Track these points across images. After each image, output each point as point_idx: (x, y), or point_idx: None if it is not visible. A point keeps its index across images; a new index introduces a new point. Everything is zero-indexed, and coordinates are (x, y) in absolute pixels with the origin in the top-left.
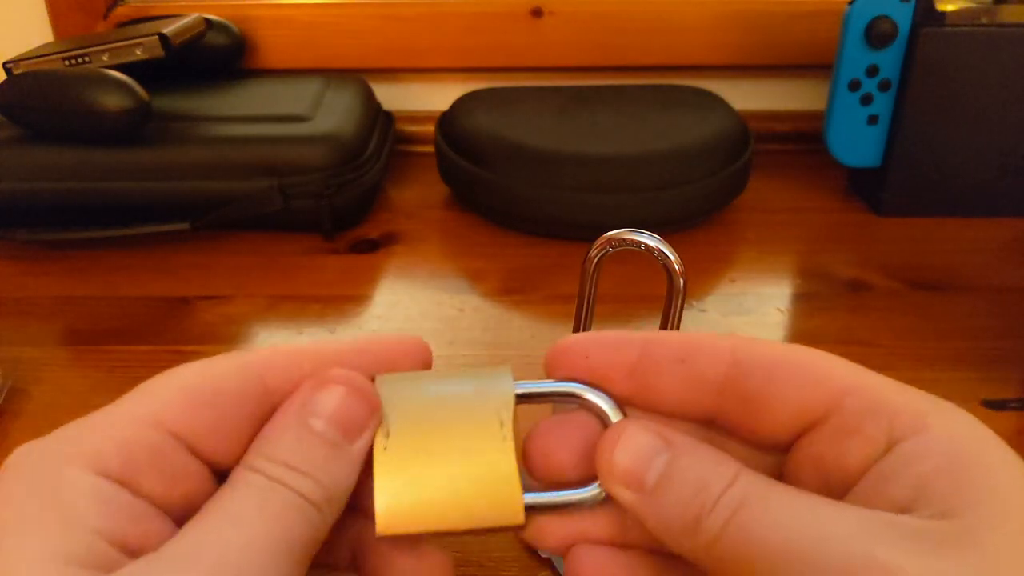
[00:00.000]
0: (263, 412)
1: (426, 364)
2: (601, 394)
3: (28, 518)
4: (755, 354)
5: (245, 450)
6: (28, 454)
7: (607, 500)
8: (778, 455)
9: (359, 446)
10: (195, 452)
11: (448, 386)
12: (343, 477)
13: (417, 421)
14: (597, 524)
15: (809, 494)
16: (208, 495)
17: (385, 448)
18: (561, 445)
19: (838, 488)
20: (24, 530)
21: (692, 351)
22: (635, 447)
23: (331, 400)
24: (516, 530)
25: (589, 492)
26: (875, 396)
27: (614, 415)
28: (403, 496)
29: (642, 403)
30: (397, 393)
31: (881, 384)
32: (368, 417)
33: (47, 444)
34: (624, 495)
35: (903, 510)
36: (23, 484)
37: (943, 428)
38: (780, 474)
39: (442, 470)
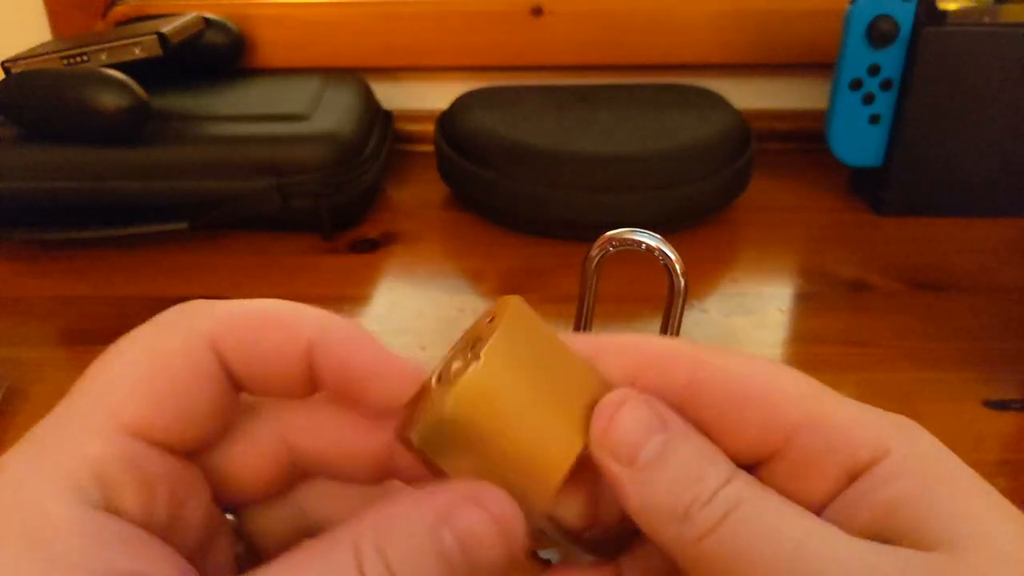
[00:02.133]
0: (221, 390)
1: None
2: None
3: (17, 567)
4: (711, 380)
5: (212, 431)
6: (3, 480)
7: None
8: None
9: None
10: (163, 446)
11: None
12: None
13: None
14: None
15: (800, 509)
16: (188, 482)
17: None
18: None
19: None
20: None
21: (644, 370)
22: (633, 419)
23: (473, 523)
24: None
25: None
26: (831, 431)
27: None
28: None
29: None
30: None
31: (838, 414)
32: (497, 563)
33: (15, 470)
34: (612, 467)
35: (873, 537)
36: (8, 516)
37: (906, 451)
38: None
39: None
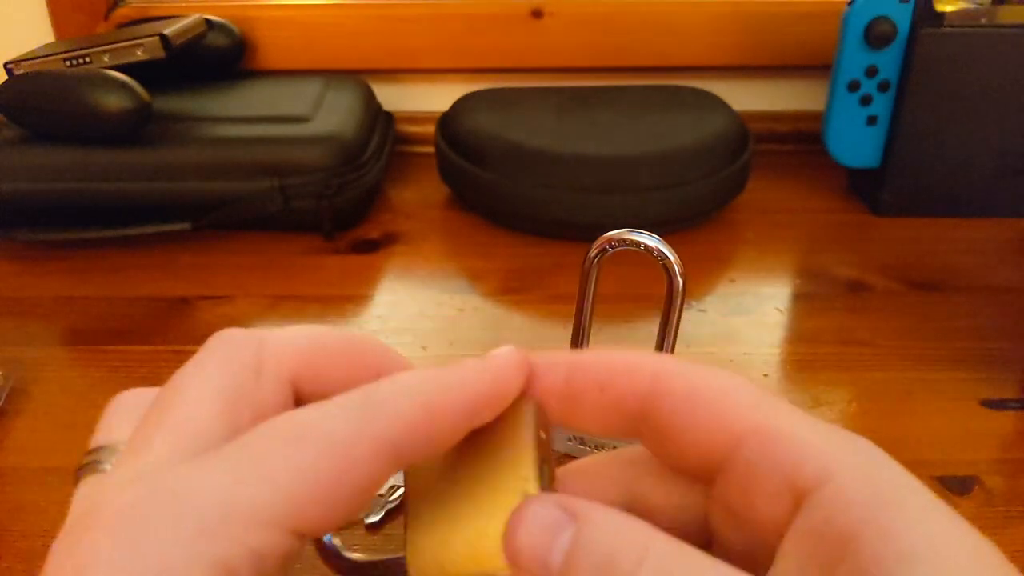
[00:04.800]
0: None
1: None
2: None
3: None
4: (670, 385)
5: None
6: (153, 542)
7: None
8: (702, 492)
9: None
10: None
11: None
12: None
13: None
14: None
15: (726, 568)
16: None
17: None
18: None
19: (760, 545)
20: None
21: (611, 378)
22: (537, 524)
23: None
24: None
25: None
26: (770, 444)
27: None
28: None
29: (571, 425)
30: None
31: (785, 426)
32: None
33: (173, 534)
34: None
35: (825, 571)
36: None
37: (852, 474)
38: (705, 516)
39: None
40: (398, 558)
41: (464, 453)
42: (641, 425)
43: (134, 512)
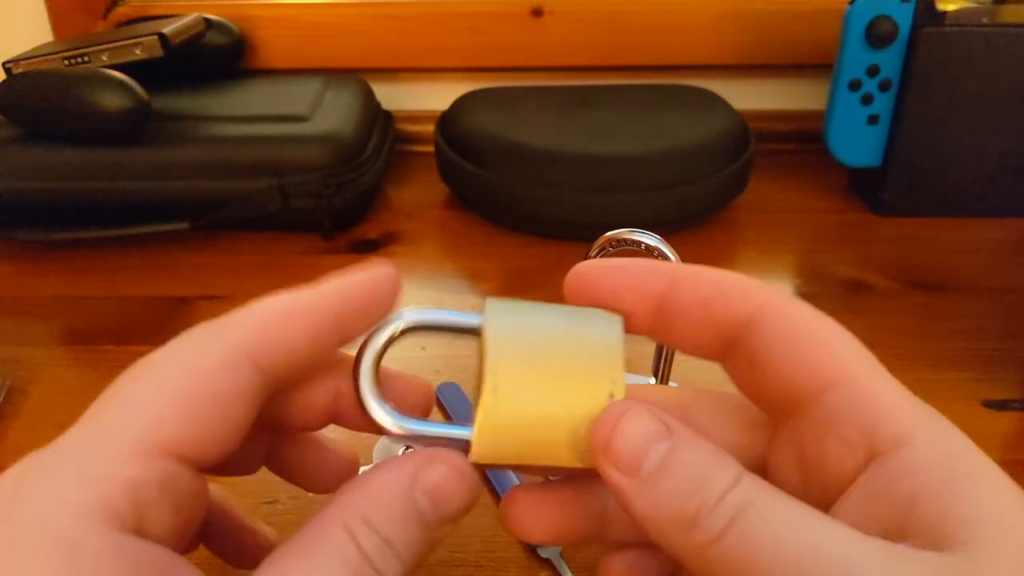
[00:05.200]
0: (256, 403)
1: (397, 291)
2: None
3: None
4: (776, 317)
5: (237, 444)
6: (29, 499)
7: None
8: (763, 445)
9: (443, 533)
10: (193, 463)
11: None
12: (420, 558)
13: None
14: (580, 517)
15: (809, 508)
16: (203, 495)
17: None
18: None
19: (819, 493)
20: None
21: (718, 296)
22: (635, 430)
23: (438, 478)
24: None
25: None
26: (859, 397)
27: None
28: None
29: (659, 337)
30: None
31: (871, 384)
32: (462, 511)
33: (48, 492)
34: (616, 478)
35: (893, 532)
36: (40, 541)
37: (929, 442)
38: (765, 464)
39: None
40: (460, 432)
41: (552, 345)
42: (732, 349)
43: (21, 480)
